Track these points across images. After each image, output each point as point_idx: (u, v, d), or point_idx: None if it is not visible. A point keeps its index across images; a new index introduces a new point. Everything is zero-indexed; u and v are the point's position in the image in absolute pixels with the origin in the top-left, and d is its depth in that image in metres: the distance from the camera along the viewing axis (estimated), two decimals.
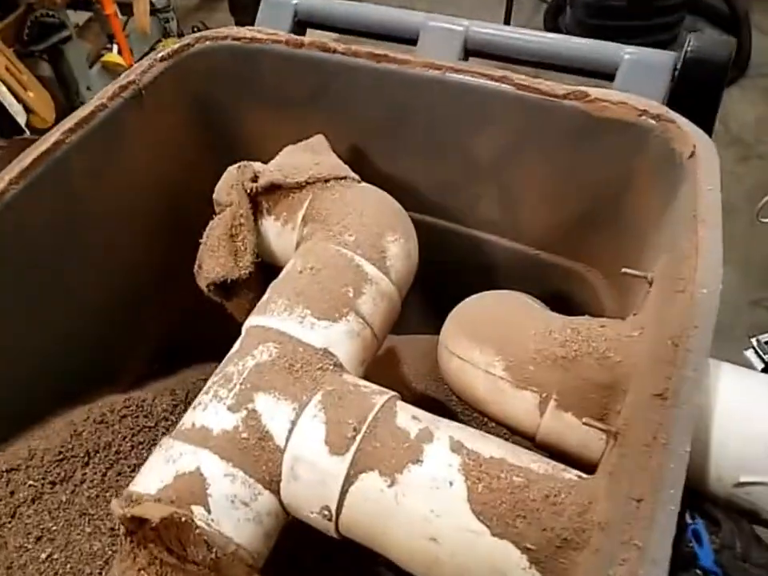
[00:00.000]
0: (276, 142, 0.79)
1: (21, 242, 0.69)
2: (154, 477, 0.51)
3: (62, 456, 0.74)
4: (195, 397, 0.89)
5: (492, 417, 0.57)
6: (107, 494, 0.75)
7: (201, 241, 0.70)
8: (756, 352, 1.49)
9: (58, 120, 1.40)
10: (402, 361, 1.01)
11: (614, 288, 0.77)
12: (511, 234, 0.82)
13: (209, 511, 0.48)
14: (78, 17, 2.13)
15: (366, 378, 0.62)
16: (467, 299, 0.66)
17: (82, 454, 0.77)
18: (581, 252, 0.78)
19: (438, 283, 0.87)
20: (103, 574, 0.65)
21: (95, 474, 0.76)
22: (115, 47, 2.17)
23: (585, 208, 0.73)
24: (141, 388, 0.88)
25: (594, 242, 0.75)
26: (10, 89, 1.24)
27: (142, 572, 0.48)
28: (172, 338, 0.99)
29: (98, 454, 0.78)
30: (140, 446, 0.81)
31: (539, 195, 0.75)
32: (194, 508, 0.48)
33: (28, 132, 1.30)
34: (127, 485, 0.79)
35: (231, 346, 0.97)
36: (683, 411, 0.40)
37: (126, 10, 2.21)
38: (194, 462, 0.50)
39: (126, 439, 0.81)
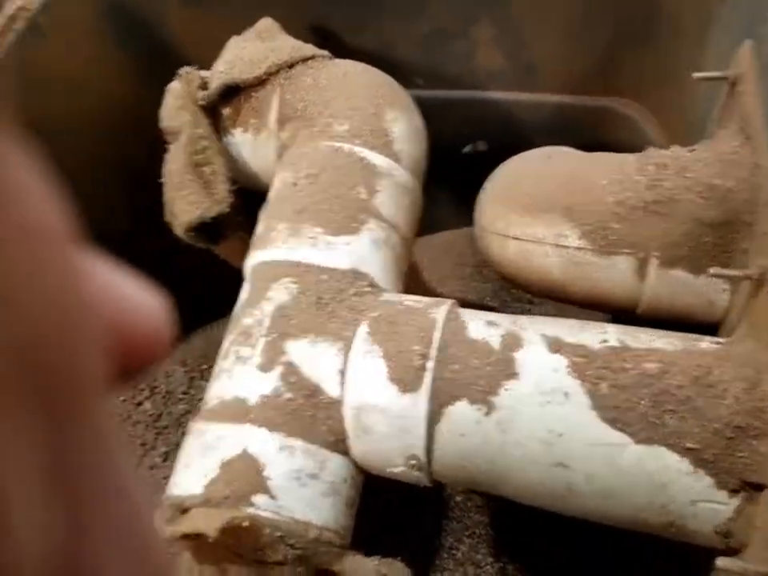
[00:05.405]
0: (216, 45, 0.64)
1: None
2: (195, 472, 0.41)
3: None
4: (212, 364, 0.79)
5: (574, 299, 0.47)
6: None
7: (162, 180, 0.57)
8: None
9: None
10: (419, 267, 0.90)
11: (661, 116, 0.64)
12: (522, 83, 0.68)
13: (273, 498, 0.38)
14: None
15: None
16: (497, 170, 0.54)
17: None
18: (612, 83, 0.65)
19: (448, 170, 0.74)
20: None
21: None
22: None
23: (612, 26, 0.59)
24: None
25: (627, 66, 0.62)
26: None
27: None
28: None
29: None
30: (166, 431, 0.72)
31: (552, 24, 0.61)
32: (254, 498, 0.38)
33: None
34: (164, 477, 0.69)
35: (226, 297, 0.85)
36: None
37: None
38: (239, 442, 0.40)
39: (149, 428, 0.71)
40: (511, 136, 0.73)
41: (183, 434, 0.74)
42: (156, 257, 0.80)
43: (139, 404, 0.73)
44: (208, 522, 0.35)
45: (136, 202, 0.72)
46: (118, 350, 0.10)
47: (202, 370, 0.78)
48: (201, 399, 0.76)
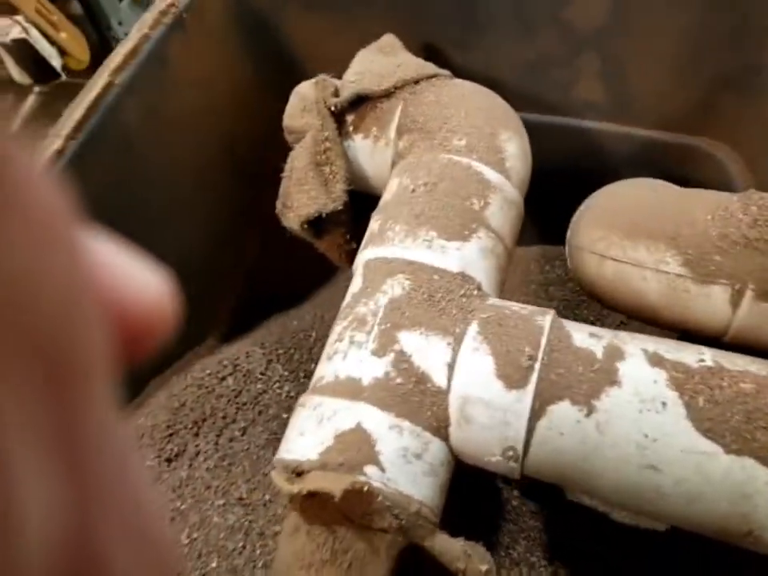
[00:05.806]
0: (333, 55, 0.69)
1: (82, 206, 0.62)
2: (310, 440, 0.45)
3: (171, 431, 0.70)
4: (286, 350, 0.84)
5: (664, 321, 0.50)
6: (224, 463, 0.71)
7: (284, 175, 0.62)
8: None
9: (93, 60, 1.29)
10: None
11: (744, 161, 0.67)
12: (615, 115, 0.72)
13: (383, 470, 0.43)
14: None
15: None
16: (597, 195, 0.57)
17: (190, 425, 0.72)
18: (704, 124, 0.68)
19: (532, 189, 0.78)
20: (247, 547, 0.62)
21: (207, 443, 0.72)
22: None
23: (716, 70, 0.63)
24: (226, 345, 0.83)
25: (722, 109, 0.66)
26: (41, 31, 1.14)
27: (322, 548, 0.43)
28: (245, 289, 0.93)
29: (205, 422, 0.73)
30: (245, 407, 0.76)
31: (658, 62, 0.64)
32: (366, 469, 0.42)
33: (64, 75, 1.21)
34: (242, 450, 0.74)
35: (300, 293, 0.90)
36: None
37: None
38: (353, 417, 0.44)
39: (230, 402, 0.76)
40: (595, 164, 0.76)
41: (260, 412, 0.79)
42: (245, 248, 0.86)
43: (223, 379, 0.78)
44: (333, 484, 0.39)
45: (241, 194, 0.78)
46: (120, 329, 0.11)
47: (278, 354, 0.83)
48: (276, 381, 0.81)
